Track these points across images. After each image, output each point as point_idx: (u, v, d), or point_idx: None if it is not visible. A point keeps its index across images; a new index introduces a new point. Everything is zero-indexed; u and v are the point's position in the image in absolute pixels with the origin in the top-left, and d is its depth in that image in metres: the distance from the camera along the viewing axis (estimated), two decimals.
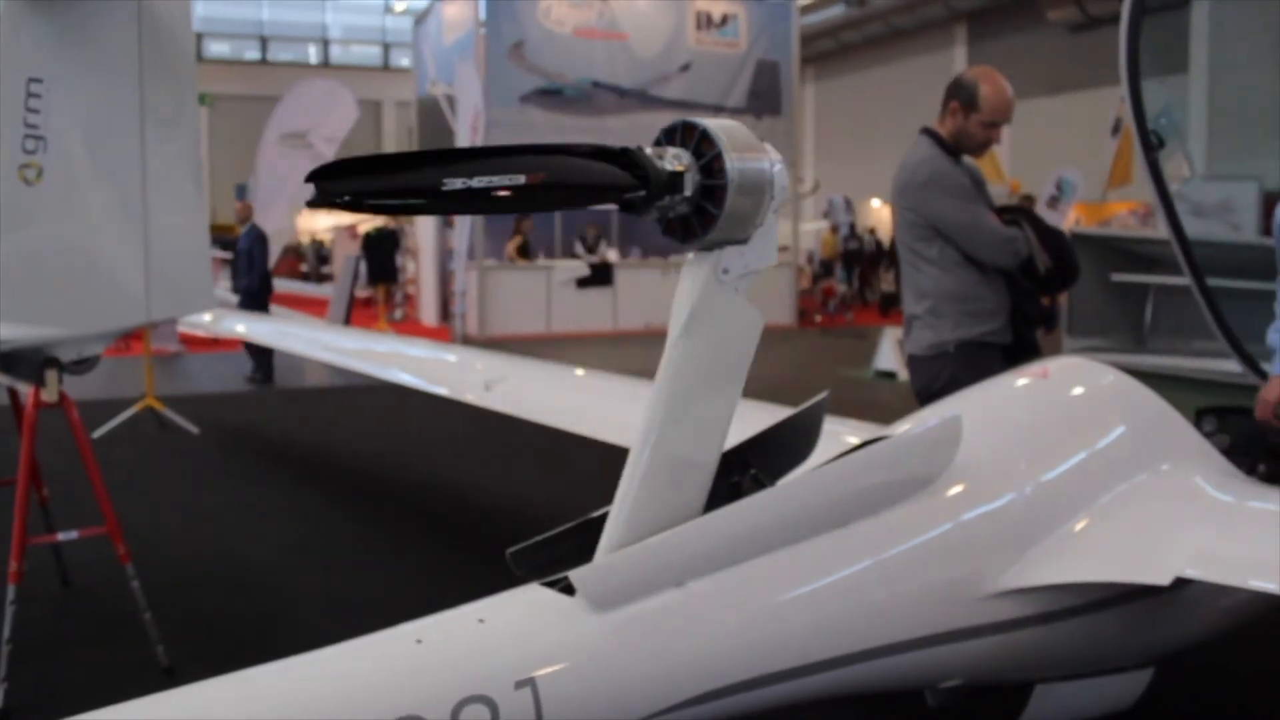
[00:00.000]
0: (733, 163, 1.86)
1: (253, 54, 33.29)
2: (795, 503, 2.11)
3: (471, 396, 4.50)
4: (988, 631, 2.30)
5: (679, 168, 1.86)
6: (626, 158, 1.84)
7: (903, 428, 2.47)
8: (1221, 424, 3.72)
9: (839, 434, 2.33)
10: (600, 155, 1.82)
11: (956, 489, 2.36)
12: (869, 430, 2.62)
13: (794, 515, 2.10)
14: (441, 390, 4.85)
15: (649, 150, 1.87)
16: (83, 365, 4.23)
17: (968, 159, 4.08)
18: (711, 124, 1.89)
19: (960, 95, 3.87)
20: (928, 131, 3.96)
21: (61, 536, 4.15)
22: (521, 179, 1.72)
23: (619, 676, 1.89)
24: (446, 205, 1.70)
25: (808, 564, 2.12)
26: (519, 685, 1.78)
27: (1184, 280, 4.33)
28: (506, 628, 1.89)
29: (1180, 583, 2.33)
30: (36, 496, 4.52)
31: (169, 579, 4.92)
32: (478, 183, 1.69)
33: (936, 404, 2.91)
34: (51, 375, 3.82)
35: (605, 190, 1.83)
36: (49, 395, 3.81)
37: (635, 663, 1.91)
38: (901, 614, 2.20)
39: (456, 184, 1.67)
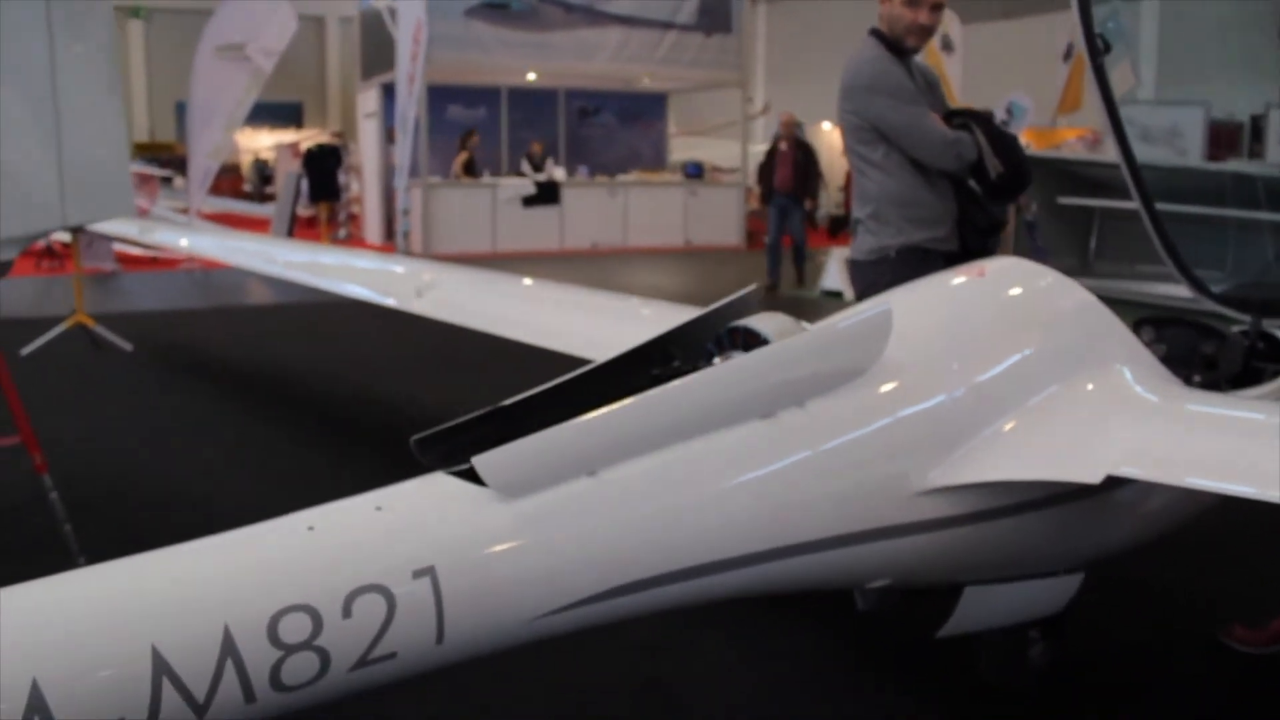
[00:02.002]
0: None
1: None
2: (717, 390, 2.03)
3: (418, 306, 4.38)
4: (915, 530, 2.25)
5: None
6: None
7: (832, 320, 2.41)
8: (1159, 334, 3.72)
9: None
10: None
11: (886, 384, 2.30)
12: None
13: (715, 403, 2.03)
14: (389, 301, 4.71)
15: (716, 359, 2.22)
16: None
17: (922, 63, 3.99)
18: (765, 327, 2.21)
19: None
20: (874, 31, 3.85)
21: None
22: None
23: (524, 567, 1.81)
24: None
25: (729, 454, 2.05)
26: (417, 574, 1.70)
27: (1130, 204, 4.30)
28: (405, 515, 1.81)
29: (1113, 484, 2.30)
30: None
31: (95, 493, 4.83)
32: None
33: (870, 299, 2.84)
34: None
35: None
36: None
37: (542, 553, 1.83)
38: (826, 509, 2.14)
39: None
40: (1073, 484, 2.31)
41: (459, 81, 17.66)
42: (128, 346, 8.32)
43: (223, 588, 1.63)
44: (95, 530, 4.17)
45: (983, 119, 3.88)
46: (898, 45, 3.81)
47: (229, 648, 1.54)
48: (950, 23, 16.68)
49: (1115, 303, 2.89)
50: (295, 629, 1.59)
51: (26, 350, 8.00)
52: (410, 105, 13.94)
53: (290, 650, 1.58)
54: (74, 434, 5.85)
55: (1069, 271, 2.82)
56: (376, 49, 17.48)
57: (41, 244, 13.57)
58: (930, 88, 3.96)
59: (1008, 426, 2.37)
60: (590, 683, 3.22)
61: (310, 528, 1.74)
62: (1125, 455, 2.30)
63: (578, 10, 17.19)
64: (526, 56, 17.24)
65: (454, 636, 1.73)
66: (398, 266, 5.66)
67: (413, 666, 1.72)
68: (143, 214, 14.76)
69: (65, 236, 9.07)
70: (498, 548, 1.81)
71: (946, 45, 16.78)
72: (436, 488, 1.89)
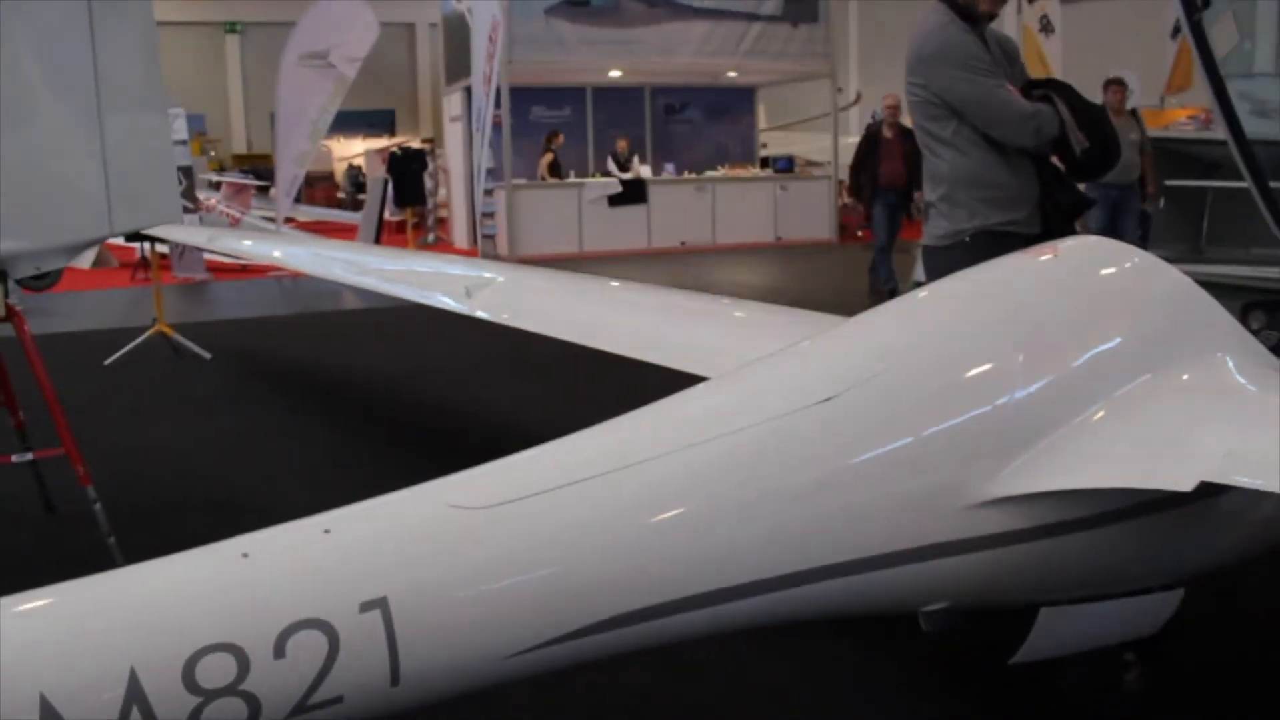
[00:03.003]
0: None
1: None
2: (729, 392, 1.77)
3: (507, 316, 4.18)
4: (976, 546, 1.95)
5: None
6: None
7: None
8: (1270, 320, 3.34)
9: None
10: None
11: (938, 381, 2.02)
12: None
13: (727, 405, 1.76)
14: (481, 314, 4.51)
15: None
16: (43, 280, 4.03)
17: (1000, 32, 3.69)
18: None
19: None
20: None
21: (15, 458, 3.96)
22: None
23: (498, 597, 1.57)
24: None
25: (748, 462, 1.77)
26: (365, 607, 1.47)
27: (1244, 184, 3.94)
28: (357, 540, 1.58)
29: (1214, 489, 1.99)
30: (11, 421, 4.35)
31: (151, 502, 4.78)
32: None
33: (928, 285, 2.55)
34: None
35: None
36: None
37: (520, 581, 1.57)
38: (865, 525, 1.86)
39: None
40: (1162, 492, 2.01)
41: (542, 82, 17.56)
42: (206, 355, 8.35)
43: (131, 625, 1.43)
44: (146, 539, 4.09)
45: (1066, 90, 3.55)
46: (969, 11, 3.50)
47: (135, 694, 1.34)
48: (1050, 2, 16.05)
49: (1231, 288, 2.56)
50: (216, 672, 1.39)
51: (109, 360, 8.10)
52: (487, 107, 13.85)
53: (210, 696, 1.38)
54: (139, 441, 5.85)
55: (1179, 257, 2.50)
56: (460, 53, 17.48)
57: (137, 254, 13.86)
58: (1009, 59, 3.64)
59: (1083, 427, 2.06)
60: (627, 705, 2.98)
61: (245, 554, 1.54)
62: (1225, 459, 1.98)
63: (660, 5, 16.94)
64: (610, 54, 17.06)
65: (412, 677, 1.51)
66: (451, 268, 5.47)
67: (364, 711, 1.50)
68: (234, 224, 14.99)
69: (161, 248, 9.17)
70: (464, 575, 1.57)
71: (1046, 27, 16.14)
72: (395, 508, 1.66)
